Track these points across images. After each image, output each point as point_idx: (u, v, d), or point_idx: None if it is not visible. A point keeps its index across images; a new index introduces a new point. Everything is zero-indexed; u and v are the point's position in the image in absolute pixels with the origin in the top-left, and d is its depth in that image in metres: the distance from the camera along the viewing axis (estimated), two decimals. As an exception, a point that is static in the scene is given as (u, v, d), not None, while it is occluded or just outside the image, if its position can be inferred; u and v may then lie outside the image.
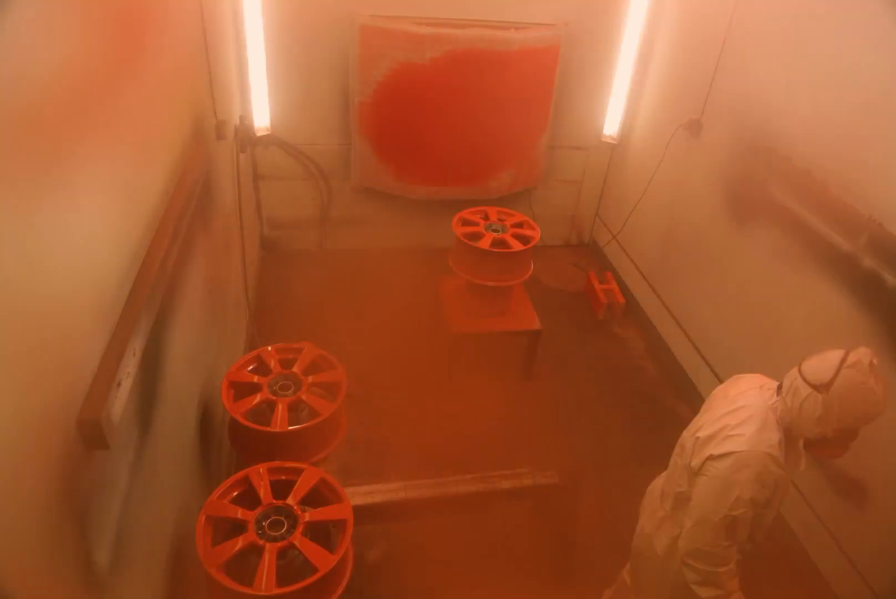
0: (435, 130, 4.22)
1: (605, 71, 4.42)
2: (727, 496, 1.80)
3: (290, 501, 1.90)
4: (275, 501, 1.90)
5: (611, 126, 4.65)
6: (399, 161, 4.37)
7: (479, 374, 3.68)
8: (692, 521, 1.90)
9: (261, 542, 1.78)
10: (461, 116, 4.19)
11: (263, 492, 1.92)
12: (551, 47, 4.10)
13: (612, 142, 4.70)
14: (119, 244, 1.65)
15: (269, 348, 2.52)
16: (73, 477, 1.33)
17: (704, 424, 2.01)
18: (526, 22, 4.02)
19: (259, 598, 1.67)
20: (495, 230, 3.43)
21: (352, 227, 4.79)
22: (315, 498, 1.96)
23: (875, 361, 1.76)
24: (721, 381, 3.54)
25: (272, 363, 2.45)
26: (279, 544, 1.78)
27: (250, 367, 2.47)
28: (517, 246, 3.35)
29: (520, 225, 3.53)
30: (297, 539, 1.80)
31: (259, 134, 4.13)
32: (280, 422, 2.22)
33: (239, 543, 1.78)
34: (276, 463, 2.02)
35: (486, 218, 3.55)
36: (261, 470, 1.99)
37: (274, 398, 2.30)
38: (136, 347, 1.58)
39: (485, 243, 3.32)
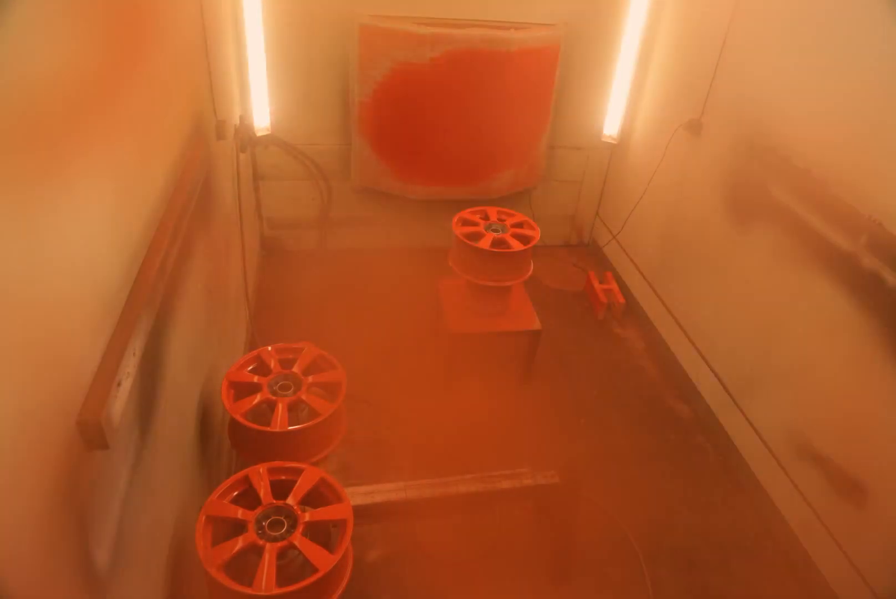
0: (435, 130, 4.22)
1: (605, 71, 4.42)
2: None
3: (290, 501, 1.90)
4: (275, 501, 1.90)
5: (611, 126, 4.66)
6: (399, 161, 4.37)
7: (478, 374, 3.68)
8: None
9: (261, 542, 1.78)
10: (461, 116, 4.19)
11: (263, 492, 1.92)
12: (551, 47, 4.11)
13: (612, 142, 4.70)
14: (119, 244, 1.65)
15: (269, 348, 2.51)
16: (73, 477, 1.33)
17: None
18: (526, 22, 4.02)
19: (259, 598, 1.67)
20: (495, 230, 3.43)
21: (352, 227, 4.79)
22: (315, 498, 1.96)
23: None
24: (721, 381, 3.55)
25: (272, 363, 2.45)
26: (279, 544, 1.78)
27: (250, 367, 2.47)
28: (517, 246, 3.35)
29: (520, 225, 3.53)
30: (297, 539, 1.80)
31: (259, 134, 4.13)
32: (280, 422, 2.22)
33: (239, 543, 1.78)
34: (276, 463, 2.02)
35: (486, 218, 3.55)
36: (261, 470, 1.99)
37: (274, 398, 2.30)
38: (136, 347, 1.58)
39: (485, 243, 3.32)
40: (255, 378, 2.38)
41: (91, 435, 1.34)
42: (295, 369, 2.42)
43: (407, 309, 4.06)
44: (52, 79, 1.28)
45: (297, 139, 4.30)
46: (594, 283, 4.55)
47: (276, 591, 1.67)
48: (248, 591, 1.67)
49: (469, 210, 3.59)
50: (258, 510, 1.87)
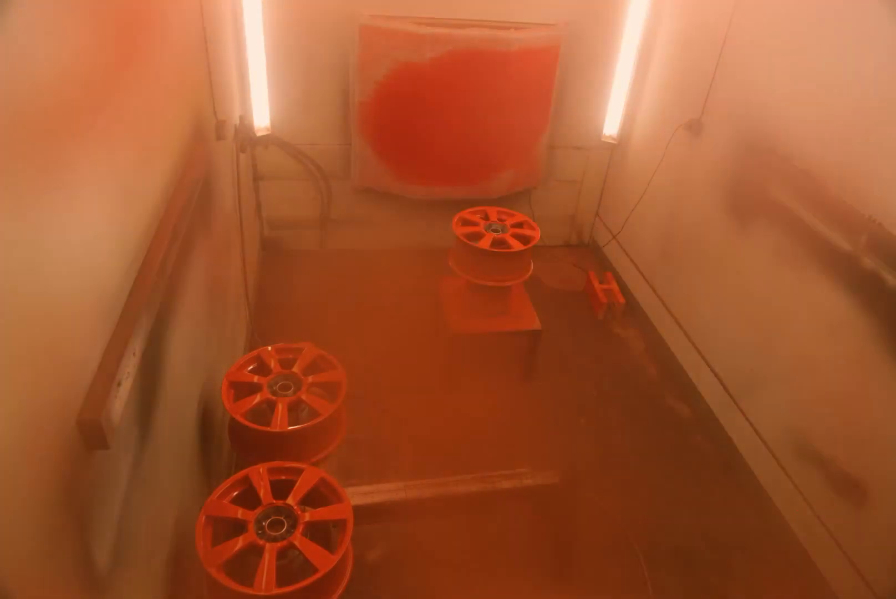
0: (435, 130, 4.22)
1: (605, 71, 4.42)
2: None
3: (290, 501, 1.90)
4: (275, 501, 1.90)
5: (611, 126, 4.65)
6: (399, 161, 4.37)
7: (479, 374, 3.68)
8: None
9: (261, 542, 1.78)
10: (461, 116, 4.19)
11: (263, 492, 1.93)
12: (551, 47, 4.11)
13: (612, 142, 4.70)
14: (119, 244, 1.65)
15: (269, 348, 2.52)
16: (73, 477, 1.33)
17: None
18: (526, 22, 4.02)
19: (259, 598, 1.67)
20: (495, 230, 3.43)
21: (352, 227, 4.79)
22: (315, 498, 1.96)
23: None
24: (721, 381, 3.55)
25: (272, 363, 2.45)
26: (279, 544, 1.78)
27: (250, 367, 2.47)
28: (517, 246, 3.35)
29: (520, 225, 3.53)
30: (297, 539, 1.80)
31: (259, 134, 4.13)
32: (280, 422, 2.22)
33: (239, 543, 1.78)
34: (276, 463, 2.02)
35: (486, 218, 3.55)
36: (261, 470, 1.99)
37: (274, 398, 2.30)
38: (136, 347, 1.58)
39: (485, 243, 3.32)
40: (255, 378, 2.38)
41: (91, 435, 1.35)
42: (295, 369, 2.42)
43: (407, 309, 4.06)
44: (52, 79, 1.28)
45: (297, 139, 4.30)
46: (594, 283, 4.55)
47: (276, 591, 1.68)
48: (248, 591, 1.67)
49: (469, 210, 3.59)
50: (258, 510, 1.87)
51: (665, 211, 4.14)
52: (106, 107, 1.59)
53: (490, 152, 4.40)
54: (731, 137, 3.43)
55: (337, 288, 4.41)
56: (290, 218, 4.69)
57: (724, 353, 3.59)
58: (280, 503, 1.89)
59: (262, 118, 4.14)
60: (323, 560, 1.76)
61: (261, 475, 1.98)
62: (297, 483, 1.95)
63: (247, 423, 2.21)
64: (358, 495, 2.42)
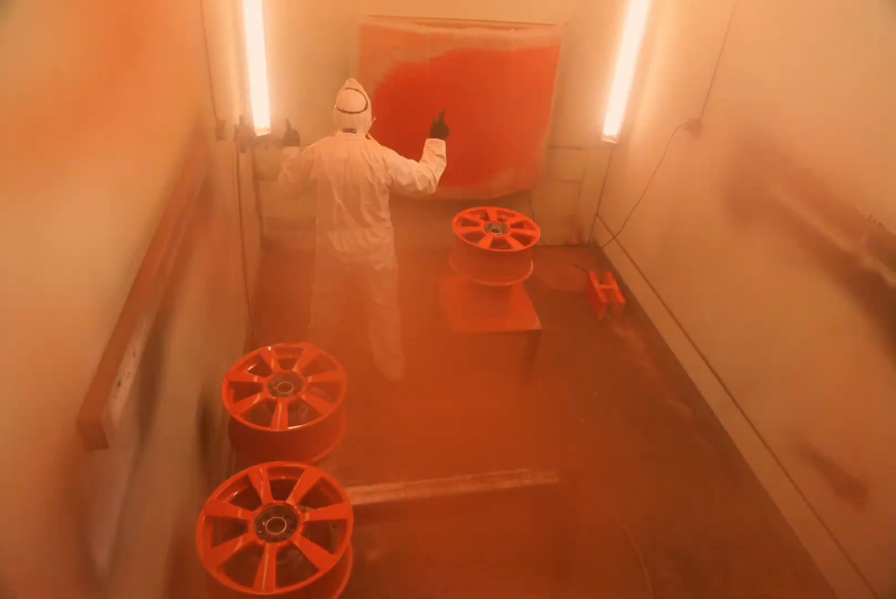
0: (435, 130, 4.21)
1: (605, 71, 4.42)
2: None
3: (290, 501, 1.90)
4: (275, 501, 1.90)
5: (611, 126, 4.65)
6: (399, 161, 4.36)
7: (479, 374, 3.68)
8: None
9: (261, 542, 1.78)
10: (461, 116, 4.17)
11: (263, 492, 1.93)
12: (551, 47, 4.10)
13: (612, 142, 4.70)
14: (119, 244, 1.65)
15: (269, 348, 2.52)
16: (73, 477, 1.33)
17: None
18: (526, 22, 4.02)
19: (259, 598, 1.67)
20: (495, 230, 3.43)
21: (352, 227, 4.78)
22: (315, 498, 1.96)
23: None
24: (721, 381, 3.55)
25: (272, 363, 2.45)
26: (279, 544, 1.78)
27: (250, 367, 2.47)
28: (517, 246, 3.36)
29: (520, 225, 3.53)
30: (297, 539, 1.80)
31: (259, 134, 4.13)
32: (280, 422, 2.22)
33: (239, 543, 1.78)
34: (276, 463, 2.02)
35: (486, 218, 3.55)
36: (261, 470, 1.99)
37: (274, 398, 2.30)
38: (136, 347, 1.58)
39: (485, 243, 3.32)
40: (255, 378, 2.38)
41: (91, 435, 1.34)
42: (295, 369, 2.42)
43: (407, 309, 4.05)
44: (52, 79, 1.28)
45: (297, 139, 4.29)
46: (594, 283, 4.55)
47: (276, 591, 1.68)
48: (248, 591, 1.67)
49: (469, 210, 3.59)
50: (258, 510, 1.87)
51: (665, 211, 4.14)
52: (106, 107, 1.59)
53: (490, 152, 4.39)
54: (732, 137, 3.43)
55: (337, 288, 4.40)
56: (290, 218, 4.68)
57: (724, 353, 3.59)
58: (280, 503, 1.89)
59: (262, 118, 4.13)
60: (323, 560, 1.76)
61: (261, 475, 1.98)
62: (297, 483, 1.95)
63: (247, 423, 2.21)
64: (358, 495, 2.42)
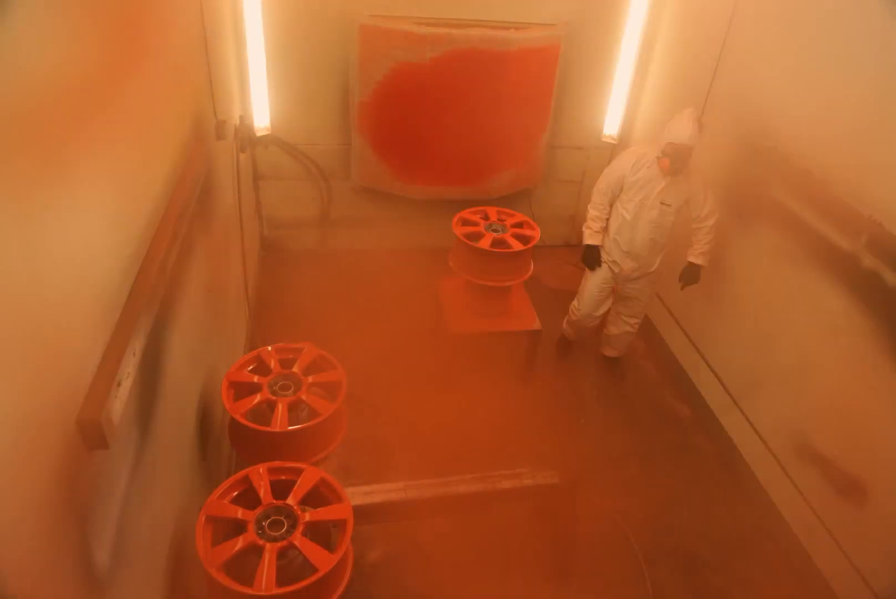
0: (435, 129, 4.21)
1: (605, 71, 4.42)
2: None
3: (290, 501, 1.90)
4: (275, 501, 1.90)
5: (611, 126, 4.65)
6: (399, 161, 4.37)
7: (479, 374, 3.68)
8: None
9: (261, 542, 1.78)
10: (461, 115, 4.18)
11: (263, 492, 1.92)
12: (551, 47, 4.10)
13: (613, 142, 4.70)
14: (119, 244, 1.65)
15: (269, 348, 2.51)
16: (73, 477, 1.33)
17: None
18: (526, 22, 4.02)
19: (259, 598, 1.67)
20: (495, 230, 3.43)
21: (352, 227, 4.79)
22: (315, 498, 1.96)
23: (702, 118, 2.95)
24: (721, 381, 3.55)
25: (272, 363, 2.45)
26: (279, 544, 1.78)
27: (250, 367, 2.47)
28: (517, 246, 3.35)
29: (520, 225, 3.53)
30: (297, 539, 1.80)
31: (259, 134, 4.13)
32: (280, 422, 2.22)
33: (239, 543, 1.78)
34: (276, 463, 2.02)
35: (486, 218, 3.55)
36: (261, 470, 1.99)
37: (274, 398, 2.30)
38: (136, 347, 1.58)
39: (485, 243, 3.32)
40: (255, 378, 2.38)
41: (91, 435, 1.34)
42: (295, 369, 2.42)
43: (407, 309, 4.06)
44: (52, 79, 1.28)
45: (297, 139, 4.30)
46: (594, 283, 4.54)
47: (276, 591, 1.67)
48: (248, 591, 1.67)
49: (469, 210, 3.59)
50: (258, 510, 1.87)
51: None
52: (106, 107, 1.59)
53: (490, 152, 4.39)
54: (732, 137, 3.42)
55: (337, 288, 4.40)
56: (290, 218, 4.68)
57: (724, 353, 3.59)
58: (280, 503, 1.89)
59: (262, 118, 4.14)
60: (323, 560, 1.76)
61: (261, 475, 1.98)
62: (297, 483, 1.95)
63: (247, 423, 2.21)
64: (358, 495, 2.42)
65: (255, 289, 4.18)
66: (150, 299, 1.70)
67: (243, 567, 1.79)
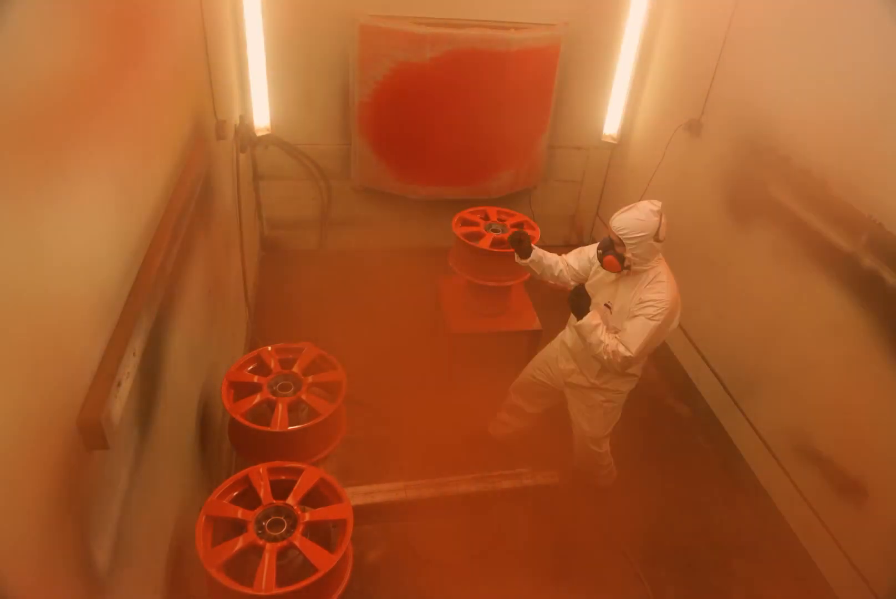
0: (435, 130, 4.22)
1: (605, 71, 4.42)
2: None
3: (290, 501, 1.90)
4: (275, 501, 1.90)
5: (611, 126, 4.66)
6: (399, 161, 4.37)
7: (479, 374, 3.68)
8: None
9: (261, 542, 1.78)
10: (461, 116, 4.18)
11: (263, 492, 1.92)
12: (551, 47, 4.10)
13: (612, 142, 4.70)
14: (119, 244, 1.65)
15: (269, 348, 2.51)
16: (73, 477, 1.33)
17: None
18: (526, 22, 4.02)
19: (259, 598, 1.67)
20: (495, 230, 3.43)
21: (352, 227, 4.79)
22: (315, 498, 1.96)
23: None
24: (721, 381, 3.55)
25: (272, 363, 2.45)
26: (279, 544, 1.78)
27: (250, 367, 2.47)
28: (517, 246, 3.35)
29: (520, 225, 3.52)
30: (297, 539, 1.80)
31: (259, 134, 4.13)
32: (280, 422, 2.22)
33: (239, 543, 1.78)
34: (276, 463, 2.02)
35: (486, 218, 3.55)
36: (261, 470, 1.99)
37: (274, 398, 2.30)
38: (136, 347, 1.58)
39: (485, 243, 3.32)
40: (255, 378, 2.38)
41: (91, 435, 1.34)
42: (295, 369, 2.42)
43: (407, 309, 4.05)
44: (52, 79, 1.28)
45: (297, 139, 4.30)
46: (594, 283, 4.54)
47: (276, 591, 1.68)
48: (248, 591, 1.67)
49: (469, 210, 3.59)
50: (258, 510, 1.87)
51: (665, 211, 4.12)
52: (106, 107, 1.59)
53: (490, 152, 4.39)
54: (732, 137, 3.42)
55: (337, 288, 4.40)
56: (290, 218, 4.68)
57: (724, 353, 3.59)
58: (280, 503, 1.89)
59: (262, 118, 4.14)
60: (323, 560, 1.76)
61: (261, 475, 1.98)
62: (297, 483, 1.95)
63: (247, 423, 2.21)
64: (358, 495, 2.42)
65: (255, 289, 4.17)
66: (150, 299, 1.70)
67: (243, 567, 1.79)
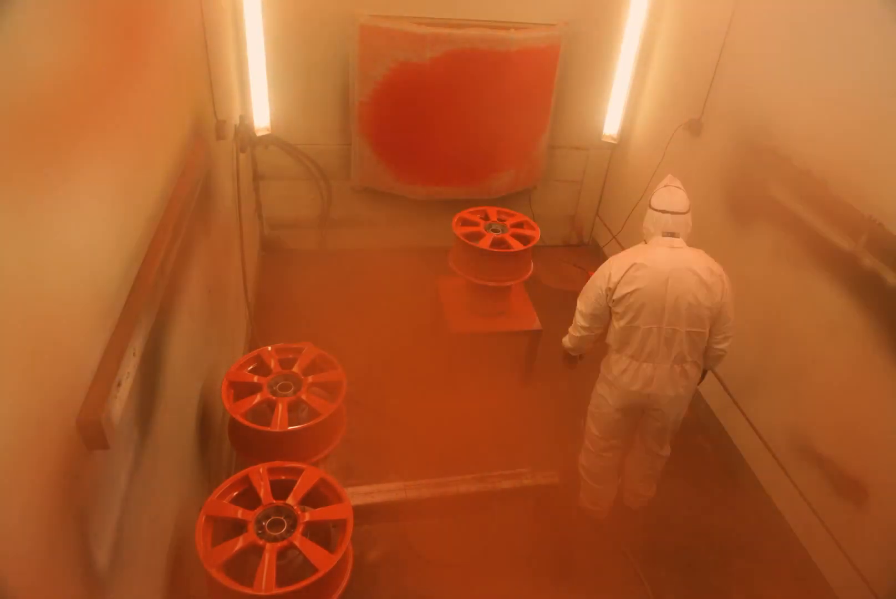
0: (435, 129, 4.22)
1: (605, 71, 4.42)
2: None
3: (290, 501, 1.90)
4: (275, 501, 1.90)
5: (611, 126, 4.66)
6: (399, 161, 4.37)
7: (479, 374, 3.68)
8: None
9: (261, 542, 1.78)
10: (461, 115, 4.19)
11: (263, 492, 1.92)
12: (551, 47, 4.11)
13: (612, 142, 4.70)
14: (119, 244, 1.65)
15: (269, 348, 2.52)
16: (73, 477, 1.33)
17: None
18: (526, 22, 4.02)
19: (259, 598, 1.67)
20: (495, 230, 3.43)
21: (352, 227, 4.79)
22: (315, 498, 1.96)
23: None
24: (721, 381, 3.55)
25: (272, 363, 2.45)
26: (279, 544, 1.78)
27: (250, 367, 2.47)
28: (517, 246, 3.35)
29: (520, 225, 3.53)
30: (297, 539, 1.80)
31: (259, 134, 4.13)
32: (280, 422, 2.22)
33: (239, 543, 1.78)
34: (276, 463, 2.02)
35: (486, 218, 3.55)
36: (261, 470, 1.99)
37: (274, 398, 2.30)
38: (136, 347, 1.58)
39: (485, 243, 3.33)
40: (255, 378, 2.38)
41: (91, 435, 1.34)
42: (295, 369, 2.42)
43: (407, 309, 4.05)
44: (52, 79, 1.28)
45: (297, 139, 4.30)
46: (594, 283, 4.54)
47: (276, 591, 1.68)
48: (248, 591, 1.67)
49: (469, 210, 3.59)
50: (258, 510, 1.87)
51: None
52: (106, 107, 1.59)
53: (490, 152, 4.39)
54: (731, 137, 3.42)
55: (337, 288, 4.40)
56: (290, 218, 4.69)
57: (724, 353, 3.58)
58: (280, 503, 1.89)
59: (262, 118, 4.14)
60: (323, 560, 1.76)
61: (261, 475, 1.98)
62: (297, 483, 1.95)
63: (247, 423, 2.21)
64: (358, 495, 2.42)
65: (255, 289, 4.18)
66: (150, 299, 1.70)
67: (243, 567, 1.79)
